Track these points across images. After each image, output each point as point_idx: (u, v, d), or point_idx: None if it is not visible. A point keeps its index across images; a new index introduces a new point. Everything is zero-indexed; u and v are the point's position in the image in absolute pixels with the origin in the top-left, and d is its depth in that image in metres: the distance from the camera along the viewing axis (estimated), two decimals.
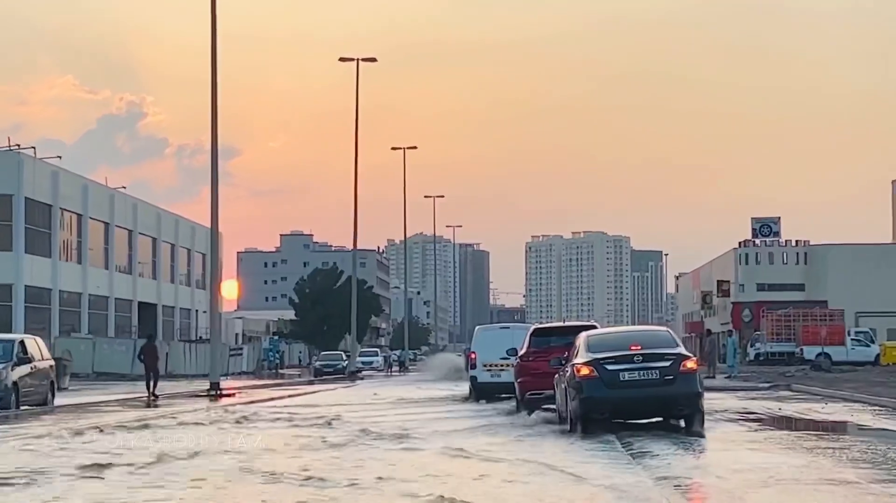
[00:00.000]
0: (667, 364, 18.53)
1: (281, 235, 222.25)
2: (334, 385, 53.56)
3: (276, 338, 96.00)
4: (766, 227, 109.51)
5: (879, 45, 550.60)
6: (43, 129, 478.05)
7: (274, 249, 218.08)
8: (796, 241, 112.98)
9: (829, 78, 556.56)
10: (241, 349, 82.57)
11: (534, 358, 24.80)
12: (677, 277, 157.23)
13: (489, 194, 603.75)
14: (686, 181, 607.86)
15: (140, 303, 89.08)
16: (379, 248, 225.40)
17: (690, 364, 18.68)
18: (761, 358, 75.18)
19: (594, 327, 24.03)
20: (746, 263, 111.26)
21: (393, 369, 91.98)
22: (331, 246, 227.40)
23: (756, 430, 20.10)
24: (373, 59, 67.57)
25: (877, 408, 25.55)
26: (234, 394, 40.65)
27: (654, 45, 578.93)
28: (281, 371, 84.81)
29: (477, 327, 34.06)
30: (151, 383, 37.89)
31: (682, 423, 19.17)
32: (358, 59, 67.77)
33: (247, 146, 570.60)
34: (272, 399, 36.75)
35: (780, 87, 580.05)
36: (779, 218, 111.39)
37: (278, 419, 24.84)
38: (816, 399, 30.18)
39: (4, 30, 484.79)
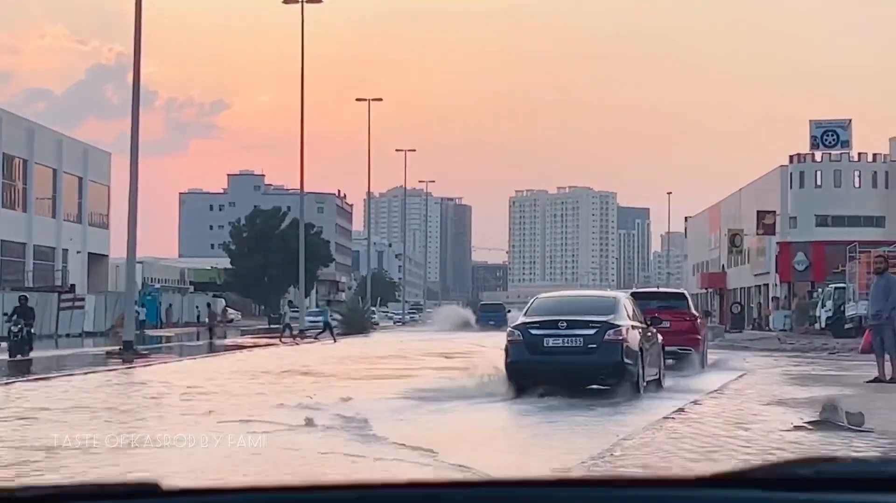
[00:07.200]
0: (591, 332, 18.10)
1: (228, 175, 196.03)
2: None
3: (154, 285, 70.28)
4: (829, 135, 71.02)
5: None
6: (32, 78, 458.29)
7: (221, 191, 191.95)
8: (873, 156, 73.80)
9: None
10: (82, 301, 55.78)
11: None
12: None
13: (473, 149, 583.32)
14: (675, 131, 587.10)
15: None
16: (340, 191, 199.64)
17: (615, 333, 18.04)
18: (848, 325, 47.79)
19: (683, 294, 28.08)
20: (801, 187, 73.56)
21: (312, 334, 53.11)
22: (287, 189, 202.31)
23: None
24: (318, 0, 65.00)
25: None
26: None
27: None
28: (157, 332, 60.10)
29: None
30: None
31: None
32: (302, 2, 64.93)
33: (236, 100, 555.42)
34: None
35: None
36: (849, 121, 72.41)
37: None
38: None
39: None
